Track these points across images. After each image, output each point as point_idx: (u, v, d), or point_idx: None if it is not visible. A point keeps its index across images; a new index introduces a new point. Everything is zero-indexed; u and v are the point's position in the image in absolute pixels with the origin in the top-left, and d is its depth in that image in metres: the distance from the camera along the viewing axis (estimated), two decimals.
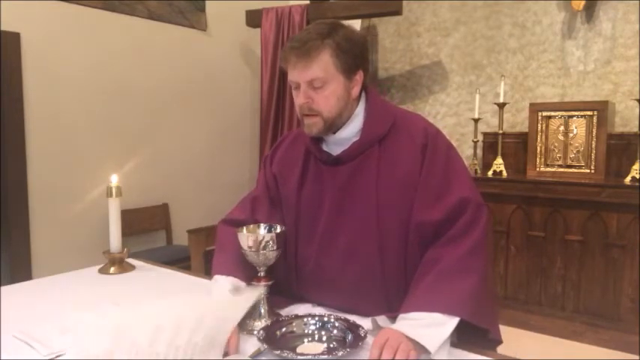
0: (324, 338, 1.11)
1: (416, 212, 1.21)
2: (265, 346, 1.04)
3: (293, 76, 1.24)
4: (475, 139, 3.66)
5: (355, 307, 1.26)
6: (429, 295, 1.12)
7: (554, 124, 3.27)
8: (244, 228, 1.24)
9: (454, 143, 1.45)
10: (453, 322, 1.07)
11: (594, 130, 3.12)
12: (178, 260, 3.17)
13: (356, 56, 1.24)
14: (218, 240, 1.41)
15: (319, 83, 1.21)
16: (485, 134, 3.75)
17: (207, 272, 2.97)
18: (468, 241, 1.17)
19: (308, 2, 3.98)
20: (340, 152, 1.29)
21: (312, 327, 1.14)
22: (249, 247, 1.17)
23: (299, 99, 1.24)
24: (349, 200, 1.26)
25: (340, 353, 1.01)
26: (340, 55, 1.21)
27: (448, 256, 1.16)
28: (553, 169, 3.27)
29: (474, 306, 1.12)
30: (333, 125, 1.26)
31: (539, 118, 3.30)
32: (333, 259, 1.26)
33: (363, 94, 1.32)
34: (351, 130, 1.28)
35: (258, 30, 4.12)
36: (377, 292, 1.24)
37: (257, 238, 1.17)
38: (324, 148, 1.32)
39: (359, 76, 1.27)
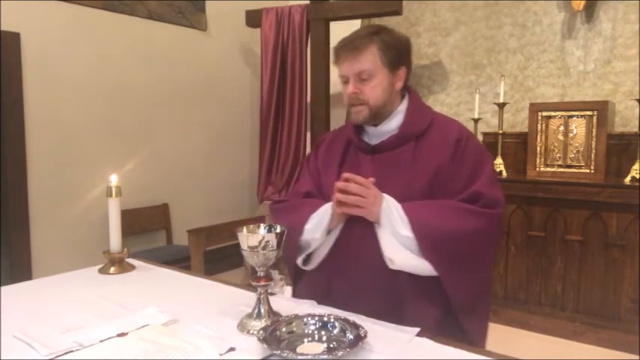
0: (324, 338, 1.11)
1: (438, 197, 1.31)
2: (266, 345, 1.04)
3: (343, 70, 1.38)
4: None
5: (364, 297, 1.30)
6: (421, 208, 1.28)
7: (554, 124, 3.27)
8: (244, 228, 1.23)
9: None
10: (406, 232, 1.24)
11: (594, 130, 3.12)
12: (178, 260, 3.18)
13: (400, 53, 1.38)
14: (284, 208, 1.50)
15: (366, 75, 1.35)
16: (485, 134, 3.74)
17: (207, 272, 2.98)
18: (478, 217, 1.27)
19: (308, 2, 3.98)
20: (378, 142, 1.41)
21: (312, 327, 1.14)
22: (249, 247, 1.17)
23: (348, 90, 1.37)
24: (382, 186, 1.31)
25: (340, 353, 1.00)
26: (386, 51, 1.34)
27: (459, 206, 1.29)
28: (553, 169, 3.27)
29: (440, 250, 1.24)
30: (378, 115, 1.38)
31: (539, 118, 3.30)
32: (366, 244, 1.31)
33: (406, 95, 1.44)
34: (391, 125, 1.41)
35: (258, 30, 4.12)
36: (389, 282, 1.29)
37: (257, 238, 1.17)
38: (365, 139, 1.45)
39: (402, 72, 1.40)
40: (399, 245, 1.26)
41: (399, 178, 1.33)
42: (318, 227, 1.35)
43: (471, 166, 1.33)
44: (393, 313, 1.28)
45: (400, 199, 1.30)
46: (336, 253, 1.37)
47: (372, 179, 1.30)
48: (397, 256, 1.25)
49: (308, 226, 1.37)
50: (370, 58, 1.34)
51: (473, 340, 1.32)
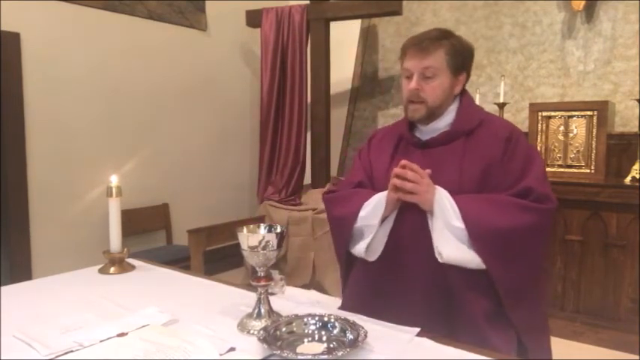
0: (324, 338, 1.11)
1: (488, 192, 1.35)
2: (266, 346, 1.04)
3: (409, 64, 1.43)
4: None
5: (416, 289, 1.35)
6: (473, 201, 1.31)
7: (554, 124, 3.27)
8: (244, 228, 1.24)
9: None
10: (458, 223, 1.28)
11: (594, 130, 3.12)
12: (178, 260, 3.17)
13: (464, 59, 1.45)
14: (337, 197, 1.55)
15: (430, 73, 1.40)
16: None
17: (207, 272, 2.98)
18: (528, 212, 1.30)
19: (308, 2, 3.98)
20: (429, 138, 1.46)
21: (312, 327, 1.14)
22: (249, 247, 1.17)
23: (410, 85, 1.42)
24: (433, 180, 1.36)
25: (340, 353, 1.00)
26: (453, 55, 1.41)
27: (512, 201, 1.32)
28: (553, 169, 3.27)
29: (490, 243, 1.26)
30: (433, 114, 1.44)
31: (540, 118, 3.29)
32: (418, 237, 1.35)
33: (459, 96, 1.49)
34: (443, 122, 1.46)
35: (258, 30, 4.12)
36: (440, 274, 1.32)
37: (257, 238, 1.17)
38: (417, 134, 1.51)
39: (463, 77, 1.46)
40: (450, 236, 1.30)
41: (449, 172, 1.38)
42: (374, 214, 1.39)
43: (521, 163, 1.37)
44: (444, 304, 1.33)
45: (450, 192, 1.34)
46: (389, 244, 1.40)
47: (428, 171, 1.35)
48: (446, 249, 1.29)
49: (362, 213, 1.41)
50: (438, 59, 1.40)
51: (521, 332, 1.34)
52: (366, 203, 1.42)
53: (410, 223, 1.37)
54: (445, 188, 1.34)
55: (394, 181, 1.34)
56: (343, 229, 1.46)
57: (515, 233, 1.29)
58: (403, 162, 1.34)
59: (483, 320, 1.31)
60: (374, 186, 1.51)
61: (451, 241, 1.30)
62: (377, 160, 1.55)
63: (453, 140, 1.42)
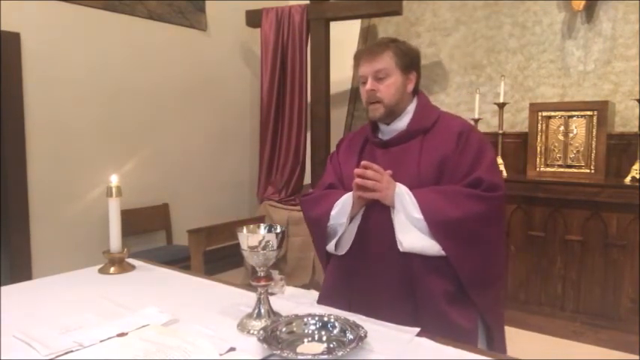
0: (324, 338, 1.11)
1: (445, 184, 1.47)
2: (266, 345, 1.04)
3: (363, 70, 1.56)
4: None
5: (381, 275, 1.46)
6: (430, 193, 1.43)
7: (554, 124, 3.27)
8: (244, 228, 1.24)
9: None
10: (417, 214, 1.40)
11: (594, 130, 3.12)
12: (178, 260, 3.18)
13: (412, 60, 1.58)
14: (311, 199, 1.66)
15: (383, 74, 1.53)
16: (485, 134, 3.73)
17: (207, 272, 2.98)
18: (479, 200, 1.42)
19: (308, 2, 3.98)
20: (389, 137, 1.59)
21: (312, 327, 1.14)
22: (249, 247, 1.17)
23: (367, 87, 1.55)
24: (395, 176, 1.48)
25: (340, 353, 1.00)
26: (400, 55, 1.54)
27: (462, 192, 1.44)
28: (553, 169, 3.27)
29: (447, 231, 1.39)
30: (392, 113, 1.56)
31: (539, 118, 3.30)
32: (382, 229, 1.46)
33: (416, 98, 1.61)
34: (402, 123, 1.58)
35: (258, 30, 4.12)
36: (402, 260, 1.43)
37: (257, 238, 1.17)
38: (379, 136, 1.63)
39: (413, 76, 1.58)
40: (411, 227, 1.42)
41: (409, 168, 1.49)
42: (343, 213, 1.52)
43: (473, 155, 1.48)
44: (407, 289, 1.44)
45: (410, 186, 1.46)
46: (358, 237, 1.52)
47: (389, 171, 1.46)
48: (406, 238, 1.41)
49: (333, 213, 1.53)
50: (387, 60, 1.53)
51: (483, 313, 1.47)
52: (336, 203, 1.54)
53: (376, 219, 1.48)
54: (406, 183, 1.46)
55: (356, 180, 1.45)
56: (319, 229, 1.58)
57: (468, 221, 1.41)
58: (364, 162, 1.46)
59: (443, 299, 1.41)
60: (344, 186, 1.62)
61: (412, 232, 1.42)
62: (345, 162, 1.66)
63: (412, 139, 1.55)
